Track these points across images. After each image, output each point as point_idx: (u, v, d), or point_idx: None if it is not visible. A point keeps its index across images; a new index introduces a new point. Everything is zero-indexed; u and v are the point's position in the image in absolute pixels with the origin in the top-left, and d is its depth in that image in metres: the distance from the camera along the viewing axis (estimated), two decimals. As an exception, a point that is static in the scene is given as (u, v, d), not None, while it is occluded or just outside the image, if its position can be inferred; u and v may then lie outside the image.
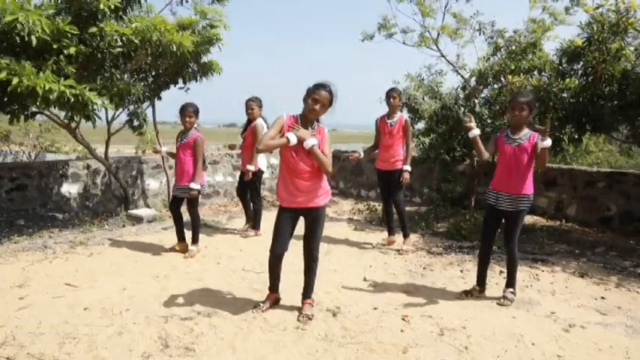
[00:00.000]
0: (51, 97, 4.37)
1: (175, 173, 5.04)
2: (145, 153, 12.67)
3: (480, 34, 7.29)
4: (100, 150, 6.76)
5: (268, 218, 4.95)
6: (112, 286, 3.98)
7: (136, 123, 6.52)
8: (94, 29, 4.90)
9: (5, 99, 4.72)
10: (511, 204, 3.68)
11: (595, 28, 5.23)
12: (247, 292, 3.95)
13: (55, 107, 4.96)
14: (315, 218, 3.39)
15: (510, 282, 3.90)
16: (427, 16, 7.61)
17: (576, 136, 5.73)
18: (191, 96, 27.06)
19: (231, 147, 6.64)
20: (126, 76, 5.93)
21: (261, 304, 3.56)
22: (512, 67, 6.01)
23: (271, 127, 3.27)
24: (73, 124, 5.99)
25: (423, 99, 7.23)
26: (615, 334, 3.33)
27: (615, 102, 5.23)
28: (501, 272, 4.53)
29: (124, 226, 6.14)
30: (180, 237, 5.11)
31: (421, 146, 7.52)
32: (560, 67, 5.83)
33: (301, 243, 3.48)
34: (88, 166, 6.85)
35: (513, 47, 6.33)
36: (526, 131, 3.65)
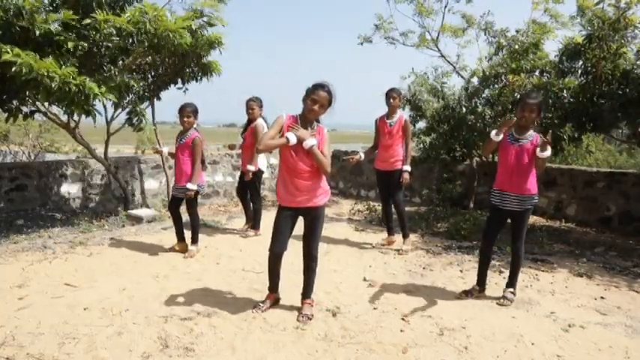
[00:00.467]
0: (52, 84, 4.35)
1: (175, 173, 5.05)
2: (144, 153, 12.67)
3: (485, 34, 7.30)
4: (99, 150, 6.75)
5: (268, 218, 4.95)
6: (112, 286, 3.97)
7: (135, 120, 6.50)
8: (87, 20, 4.89)
9: (4, 96, 4.70)
10: (517, 204, 3.67)
11: (596, 24, 5.21)
12: (247, 292, 3.95)
13: (55, 102, 4.91)
14: (314, 218, 3.39)
15: (511, 282, 3.90)
16: (427, 16, 7.62)
17: (576, 135, 5.73)
18: (191, 96, 27.05)
19: (231, 147, 6.63)
20: (125, 74, 5.92)
21: (261, 304, 3.56)
22: (514, 67, 6.01)
23: (271, 127, 3.28)
24: (72, 124, 5.97)
25: (426, 96, 7.24)
26: (615, 334, 3.33)
27: (615, 100, 5.22)
28: (501, 272, 4.53)
29: (123, 226, 6.14)
30: (180, 237, 5.11)
31: (422, 145, 7.52)
32: (561, 66, 5.83)
33: (301, 243, 3.48)
34: (87, 166, 6.85)
35: (516, 47, 6.33)
36: (531, 132, 3.65)
